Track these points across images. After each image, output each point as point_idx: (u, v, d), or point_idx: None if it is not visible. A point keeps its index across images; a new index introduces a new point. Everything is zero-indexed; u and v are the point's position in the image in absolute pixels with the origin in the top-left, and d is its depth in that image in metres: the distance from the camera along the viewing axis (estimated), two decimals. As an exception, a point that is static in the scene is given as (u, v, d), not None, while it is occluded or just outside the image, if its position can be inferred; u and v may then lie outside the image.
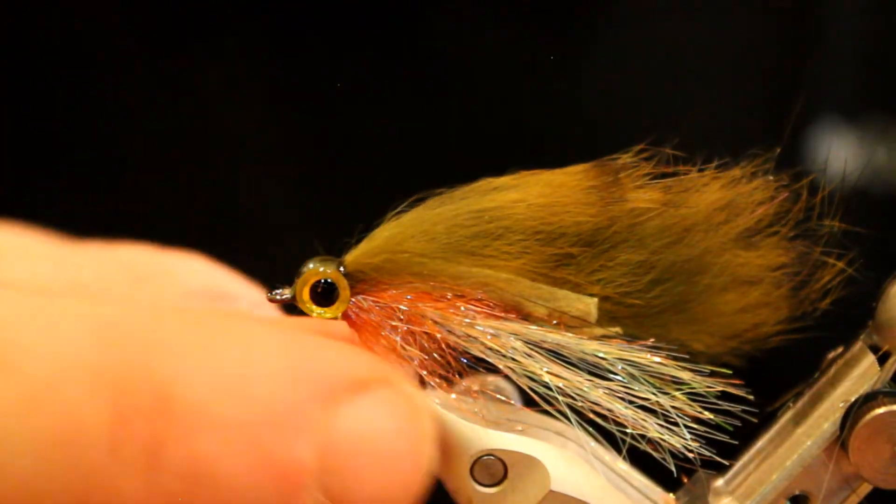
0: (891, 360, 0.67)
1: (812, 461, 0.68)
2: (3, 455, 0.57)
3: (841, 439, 0.67)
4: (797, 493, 0.68)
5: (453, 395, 0.69)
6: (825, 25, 1.18)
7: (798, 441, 0.68)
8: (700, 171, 0.71)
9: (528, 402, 0.69)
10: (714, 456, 0.68)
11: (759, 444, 0.70)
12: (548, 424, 0.70)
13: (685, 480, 0.71)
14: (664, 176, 0.71)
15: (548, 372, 0.68)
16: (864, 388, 0.67)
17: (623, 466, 0.70)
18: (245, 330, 0.62)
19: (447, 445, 0.68)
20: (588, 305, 0.70)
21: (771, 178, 0.72)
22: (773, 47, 1.18)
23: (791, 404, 0.71)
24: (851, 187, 0.80)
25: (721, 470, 0.71)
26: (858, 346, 0.69)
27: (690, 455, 0.67)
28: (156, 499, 0.58)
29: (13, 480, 0.57)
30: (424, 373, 0.69)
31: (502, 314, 0.69)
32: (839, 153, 1.14)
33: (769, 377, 0.69)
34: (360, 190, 1.05)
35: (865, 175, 1.15)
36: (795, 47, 1.18)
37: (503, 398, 0.71)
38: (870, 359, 0.68)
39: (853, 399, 0.67)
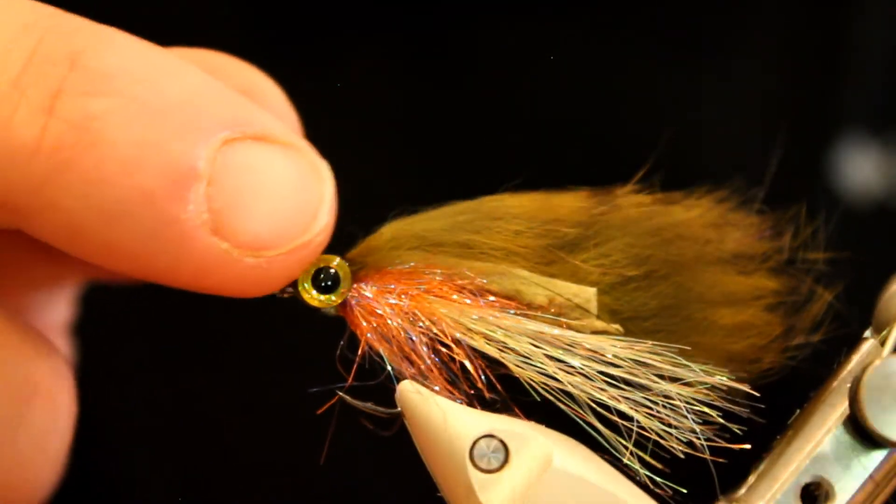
0: (891, 332, 0.65)
1: (826, 446, 0.66)
2: None
3: (851, 411, 0.66)
4: (813, 480, 0.66)
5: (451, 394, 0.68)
6: (852, 40, 1.17)
7: (810, 430, 0.67)
8: (691, 191, 0.71)
9: (528, 400, 0.68)
10: (722, 442, 0.66)
11: (775, 451, 0.69)
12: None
13: None
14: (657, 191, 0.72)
15: (548, 364, 0.67)
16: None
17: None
18: (179, 53, 0.66)
19: (446, 428, 0.66)
20: (588, 294, 0.69)
21: (762, 206, 0.72)
22: (799, 63, 1.18)
23: (799, 411, 0.69)
24: (872, 201, 0.79)
25: (732, 480, 0.69)
26: (861, 343, 0.69)
27: (697, 442, 0.66)
28: (44, 141, 0.61)
29: None
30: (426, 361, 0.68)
31: (502, 303, 0.68)
32: (863, 167, 1.13)
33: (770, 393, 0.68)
34: (363, 196, 1.06)
35: (886, 189, 1.14)
36: (821, 62, 1.18)
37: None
38: (872, 344, 0.67)
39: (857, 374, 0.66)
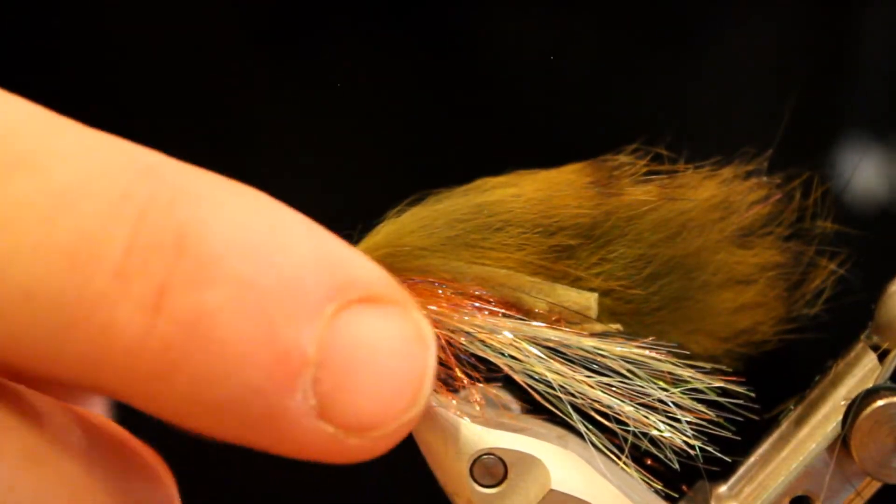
0: (891, 356, 0.66)
1: (815, 461, 0.68)
2: (11, 252, 0.56)
3: (843, 436, 0.67)
4: (800, 494, 0.68)
5: (453, 401, 0.69)
6: (857, 41, 1.17)
7: (801, 442, 0.68)
8: (696, 168, 0.72)
9: (528, 404, 0.70)
10: (716, 453, 0.67)
11: (762, 449, 0.71)
12: (549, 429, 0.70)
13: (686, 489, 0.71)
14: (661, 173, 0.71)
15: (548, 369, 0.68)
16: (865, 386, 0.67)
17: (623, 474, 0.69)
18: (281, 207, 0.60)
19: (446, 445, 0.67)
20: (588, 300, 0.69)
21: (765, 178, 0.72)
22: (803, 63, 1.18)
23: (793, 408, 0.71)
24: (874, 203, 0.78)
25: (723, 475, 0.71)
26: (859, 346, 0.69)
27: (692, 452, 0.67)
28: (149, 341, 0.56)
29: (14, 278, 0.56)
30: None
31: (502, 310, 0.69)
32: (865, 169, 1.14)
33: (769, 381, 0.68)
34: (361, 190, 1.06)
35: (889, 191, 1.14)
36: (826, 63, 1.18)
37: (503, 404, 0.71)
38: (870, 357, 0.68)
39: (854, 396, 0.67)
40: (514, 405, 0.71)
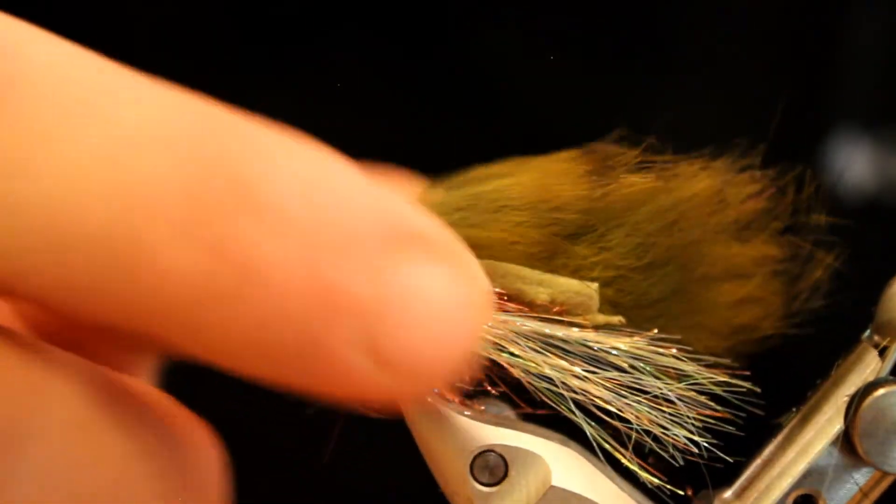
0: (891, 349, 0.66)
1: (819, 459, 0.67)
2: (73, 193, 0.56)
3: (846, 431, 0.67)
4: (804, 493, 0.68)
5: (452, 398, 0.69)
6: (846, 34, 1.18)
7: (804, 441, 0.68)
8: (690, 160, 0.72)
9: (528, 402, 0.69)
10: (717, 451, 0.67)
11: (766, 452, 0.70)
12: (549, 435, 0.69)
13: (689, 493, 0.71)
14: (655, 163, 0.71)
15: (548, 364, 0.68)
16: (866, 380, 0.67)
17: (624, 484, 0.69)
18: (340, 161, 0.60)
19: (446, 442, 0.66)
20: (590, 290, 0.69)
21: (759, 172, 0.72)
22: (792, 56, 1.18)
23: (795, 411, 0.70)
24: (864, 196, 0.78)
25: (724, 473, 0.70)
26: (860, 347, 0.69)
27: (696, 450, 0.67)
28: (209, 290, 0.56)
29: (71, 221, 0.55)
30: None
31: (503, 303, 0.69)
32: (855, 162, 1.14)
33: (770, 384, 0.69)
34: None
35: (879, 185, 1.14)
36: (815, 56, 1.18)
37: (503, 404, 0.71)
38: (872, 355, 0.68)
39: (855, 391, 0.67)
40: (510, 411, 0.71)
